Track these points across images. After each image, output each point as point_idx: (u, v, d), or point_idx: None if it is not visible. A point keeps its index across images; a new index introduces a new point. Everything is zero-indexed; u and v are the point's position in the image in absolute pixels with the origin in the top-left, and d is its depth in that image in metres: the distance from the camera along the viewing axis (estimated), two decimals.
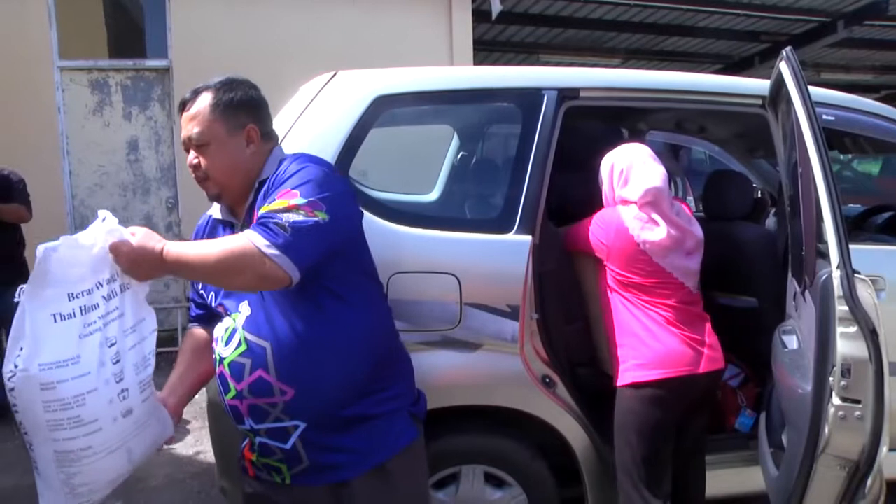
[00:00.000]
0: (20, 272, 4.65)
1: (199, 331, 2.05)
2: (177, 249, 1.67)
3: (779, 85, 2.44)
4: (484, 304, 2.50)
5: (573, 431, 2.63)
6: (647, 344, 2.46)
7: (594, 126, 3.57)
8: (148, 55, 6.67)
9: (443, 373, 2.49)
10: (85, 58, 6.45)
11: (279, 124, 2.56)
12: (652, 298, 2.48)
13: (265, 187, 1.77)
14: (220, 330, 1.85)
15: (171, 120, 6.50)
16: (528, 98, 2.69)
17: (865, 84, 13.62)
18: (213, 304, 1.92)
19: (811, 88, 2.24)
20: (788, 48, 2.31)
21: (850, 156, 8.46)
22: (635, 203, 2.50)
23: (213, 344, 1.87)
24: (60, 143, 6.32)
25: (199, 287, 1.99)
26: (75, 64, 6.39)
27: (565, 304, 2.81)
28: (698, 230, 2.58)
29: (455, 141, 4.04)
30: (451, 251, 2.50)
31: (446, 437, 2.54)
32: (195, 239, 1.95)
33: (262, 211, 1.66)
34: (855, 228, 3.89)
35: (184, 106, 1.85)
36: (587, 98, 2.74)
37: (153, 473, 3.94)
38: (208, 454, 3.86)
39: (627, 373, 2.49)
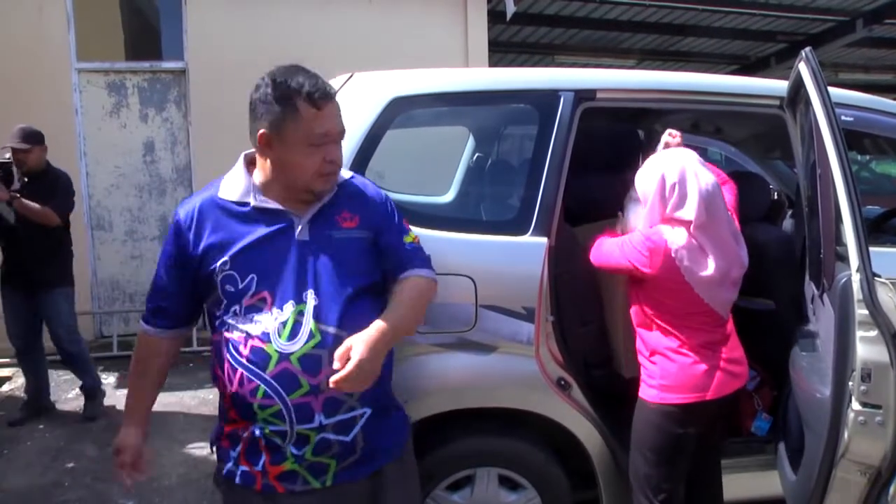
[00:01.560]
0: (63, 274, 4.74)
1: (168, 340, 1.97)
2: (392, 320, 1.79)
3: (797, 85, 2.42)
4: (499, 306, 2.50)
5: (588, 434, 2.62)
6: (678, 365, 2.35)
7: (611, 127, 3.55)
8: (164, 57, 6.70)
9: (458, 375, 2.49)
10: (102, 60, 6.49)
11: None
12: (685, 323, 2.36)
13: (338, 198, 1.87)
14: (269, 324, 1.74)
15: (187, 121, 6.53)
16: (544, 99, 2.68)
17: (885, 84, 13.48)
18: (245, 290, 1.77)
19: (830, 89, 2.21)
20: (808, 48, 2.29)
21: (868, 156, 8.39)
22: (687, 225, 2.32)
23: (253, 341, 1.74)
24: (77, 145, 6.36)
25: (223, 267, 1.78)
26: (92, 66, 6.43)
27: (581, 306, 2.79)
28: (745, 254, 2.44)
29: (471, 142, 4.03)
30: (467, 253, 2.50)
31: (461, 440, 2.54)
32: (192, 226, 1.83)
33: (408, 241, 1.96)
34: (874, 230, 3.85)
35: (334, 95, 1.79)
36: (604, 99, 2.73)
37: (167, 473, 3.97)
38: None
39: (653, 390, 2.40)
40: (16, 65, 6.07)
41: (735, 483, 2.71)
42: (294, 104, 1.72)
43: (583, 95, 2.67)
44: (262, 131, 1.75)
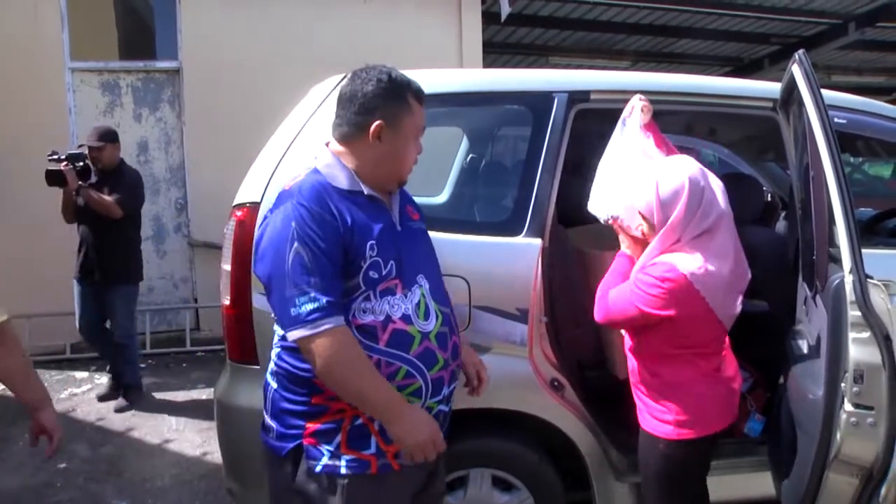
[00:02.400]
0: (126, 273, 5.01)
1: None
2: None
3: (791, 87, 2.43)
4: (493, 308, 2.49)
5: (581, 435, 2.62)
6: (696, 398, 2.20)
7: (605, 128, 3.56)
8: (158, 57, 6.68)
9: None
10: (96, 59, 6.46)
11: (290, 125, 2.56)
12: (704, 351, 2.21)
13: (403, 194, 2.01)
14: (406, 306, 1.83)
15: (181, 121, 6.51)
16: (538, 100, 2.69)
17: (878, 86, 13.53)
18: (388, 276, 1.81)
19: (822, 91, 2.22)
20: (801, 51, 2.30)
21: (860, 159, 8.42)
22: (703, 240, 2.12)
23: (395, 325, 1.80)
24: (71, 144, 6.30)
25: (371, 253, 1.79)
26: (86, 65, 6.40)
27: (574, 307, 2.79)
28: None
29: (464, 143, 4.03)
30: (460, 254, 2.49)
31: (455, 441, 2.53)
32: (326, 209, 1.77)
33: None
34: (866, 232, 3.86)
35: (424, 94, 1.92)
36: (597, 101, 2.73)
37: (160, 474, 3.96)
38: (215, 455, 3.87)
39: (667, 426, 2.22)
40: (9, 64, 6.05)
41: (728, 484, 2.72)
42: (406, 99, 1.86)
43: (577, 97, 2.68)
44: (378, 122, 1.82)
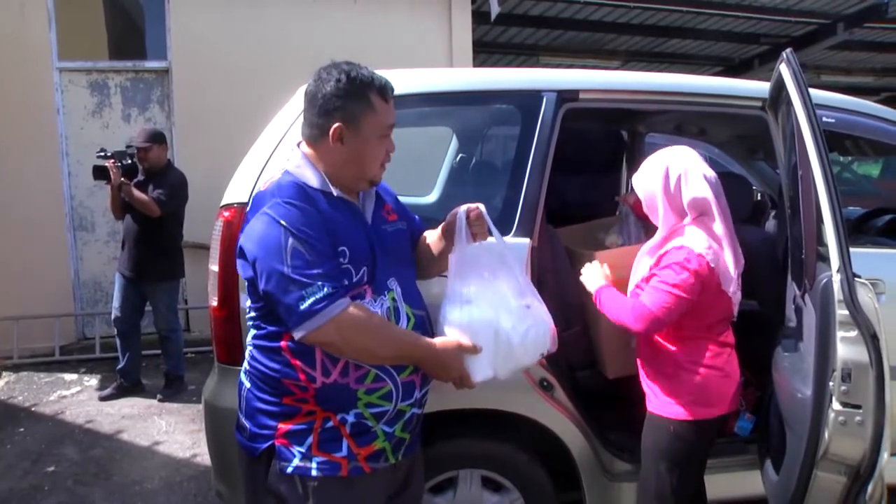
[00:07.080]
0: (168, 269, 5.16)
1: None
2: None
3: (779, 87, 2.43)
4: None
5: (571, 435, 2.62)
6: (709, 379, 2.31)
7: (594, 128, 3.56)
8: (147, 57, 6.65)
9: None
10: (84, 59, 6.43)
11: (277, 126, 2.55)
12: (714, 331, 2.35)
13: (379, 192, 1.99)
14: (375, 310, 1.81)
15: (171, 121, 6.48)
16: (527, 100, 2.68)
17: (866, 86, 13.62)
18: (358, 283, 1.80)
19: (811, 91, 2.22)
20: (789, 50, 2.30)
21: (849, 158, 8.46)
22: (701, 216, 2.31)
23: None
24: (59, 145, 6.30)
25: (343, 261, 1.77)
26: (74, 65, 6.36)
27: (564, 308, 2.79)
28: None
29: (454, 143, 4.03)
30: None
31: (444, 441, 2.53)
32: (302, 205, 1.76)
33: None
34: (854, 231, 3.88)
35: (392, 91, 1.86)
36: (587, 100, 2.73)
37: (149, 476, 3.93)
38: (204, 457, 3.85)
39: (679, 407, 2.32)
40: None
41: (718, 482, 2.72)
42: (368, 98, 1.80)
43: (565, 96, 2.67)
44: (336, 125, 1.79)
